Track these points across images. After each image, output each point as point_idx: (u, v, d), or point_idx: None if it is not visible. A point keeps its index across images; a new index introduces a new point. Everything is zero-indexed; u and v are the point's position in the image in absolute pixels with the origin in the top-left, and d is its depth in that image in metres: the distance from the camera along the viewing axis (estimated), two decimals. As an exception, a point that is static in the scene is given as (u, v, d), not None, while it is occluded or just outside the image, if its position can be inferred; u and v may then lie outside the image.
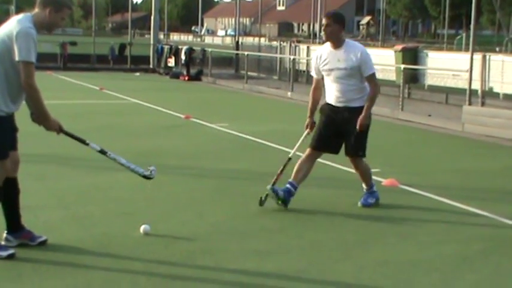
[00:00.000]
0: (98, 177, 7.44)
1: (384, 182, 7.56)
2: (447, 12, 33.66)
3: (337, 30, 6.28)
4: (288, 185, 6.42)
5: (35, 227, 5.56)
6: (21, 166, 8.29)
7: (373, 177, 7.80)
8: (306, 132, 6.85)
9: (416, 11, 72.47)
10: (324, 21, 6.36)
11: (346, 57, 6.31)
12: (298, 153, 6.70)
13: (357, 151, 6.53)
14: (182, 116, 13.15)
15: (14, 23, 4.64)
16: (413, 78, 16.84)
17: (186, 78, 23.95)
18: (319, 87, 6.71)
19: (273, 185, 6.43)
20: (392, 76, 17.91)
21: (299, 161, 6.61)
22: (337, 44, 6.33)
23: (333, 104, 6.56)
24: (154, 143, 9.97)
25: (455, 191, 7.25)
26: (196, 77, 24.09)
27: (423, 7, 68.76)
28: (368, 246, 5.32)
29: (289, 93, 18.60)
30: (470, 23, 13.87)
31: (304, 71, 23.18)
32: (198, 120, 12.56)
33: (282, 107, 16.43)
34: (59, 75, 22.86)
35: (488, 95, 14.74)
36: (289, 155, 6.80)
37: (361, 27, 72.17)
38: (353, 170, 8.07)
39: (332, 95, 6.55)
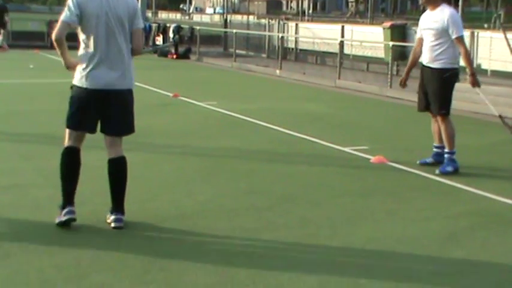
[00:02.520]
0: (87, 156, 7.36)
1: (372, 159, 7.59)
2: (436, -12, 33.53)
3: None
4: (434, 149, 7.32)
5: (23, 206, 5.57)
6: (8, 145, 8.28)
7: (361, 154, 7.85)
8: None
9: (405, -12, 72.16)
10: None
11: (437, 19, 6.91)
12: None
13: (438, 109, 7.07)
14: (170, 94, 13.10)
15: None
16: (401, 55, 16.81)
17: (174, 56, 23.84)
18: (419, 46, 7.27)
19: None
20: (380, 53, 17.90)
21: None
22: (433, 6, 6.97)
23: (423, 62, 7.18)
24: (143, 121, 9.88)
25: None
26: (185, 55, 23.98)
27: (412, -16, 68.45)
28: (356, 223, 5.34)
29: (277, 71, 18.56)
30: (458, 0, 13.83)
31: (292, 49, 23.12)
32: (186, 99, 12.52)
33: (270, 85, 16.40)
34: (46, 54, 22.70)
35: (476, 72, 14.74)
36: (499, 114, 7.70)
37: (349, 4, 71.87)
38: (342, 148, 8.11)
39: (423, 53, 7.16)
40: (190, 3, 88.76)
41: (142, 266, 4.30)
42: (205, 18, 70.32)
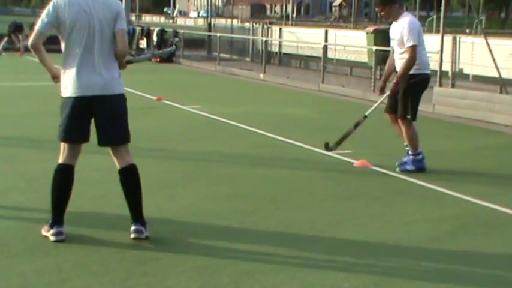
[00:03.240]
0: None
1: (356, 163, 7.61)
2: (418, -7, 33.77)
3: (389, 9, 7.10)
4: (406, 148, 7.34)
5: (4, 210, 5.53)
6: (-10, 149, 8.14)
7: (344, 158, 7.87)
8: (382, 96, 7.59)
9: (388, -7, 72.50)
10: (377, 9, 7.38)
11: (397, 30, 7.08)
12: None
13: (403, 113, 7.18)
14: (154, 98, 13.07)
15: None
16: (385, 59, 16.77)
17: (158, 60, 23.77)
18: (392, 56, 7.40)
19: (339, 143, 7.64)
20: (364, 58, 17.97)
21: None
22: (396, 19, 7.13)
23: (396, 70, 7.29)
24: (126, 125, 9.88)
25: (425, 172, 7.31)
26: (168, 59, 23.90)
27: (395, -11, 68.83)
28: (339, 227, 5.35)
29: (261, 75, 18.57)
30: (440, 5, 13.93)
31: (276, 53, 23.15)
32: (170, 102, 12.50)
33: (254, 89, 16.41)
34: (30, 57, 22.55)
35: (458, 77, 14.86)
36: (366, 113, 7.64)
37: (333, 9, 72.20)
38: (326, 152, 8.13)
39: (395, 61, 7.31)
40: (174, 6, 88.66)
41: (124, 271, 4.28)
42: (189, 22, 70.23)
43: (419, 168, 7.23)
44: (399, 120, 7.28)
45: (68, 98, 4.71)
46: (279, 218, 5.52)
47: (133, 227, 4.82)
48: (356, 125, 7.71)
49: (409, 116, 7.19)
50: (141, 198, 4.88)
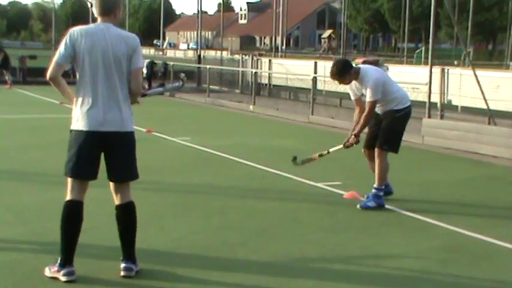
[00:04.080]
0: (58, 192, 7.29)
1: (345, 194, 7.61)
2: (407, 26, 34.19)
3: (347, 77, 7.17)
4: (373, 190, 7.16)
5: (-9, 244, 5.47)
6: (-22, 182, 8.09)
7: (334, 190, 7.87)
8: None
9: (377, 25, 73.39)
10: (335, 80, 7.32)
11: (361, 87, 7.22)
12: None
13: (382, 144, 7.17)
14: (144, 130, 13.05)
15: None
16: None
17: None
18: (359, 112, 7.37)
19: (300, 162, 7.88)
20: (353, 89, 18.07)
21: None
22: (356, 78, 7.20)
23: (378, 112, 7.33)
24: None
25: (415, 203, 7.33)
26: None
27: (383, 21, 69.72)
28: (328, 260, 5.33)
29: (251, 107, 18.64)
30: (429, 37, 14.09)
31: (266, 84, 23.26)
32: (160, 134, 12.50)
33: (244, 121, 16.45)
34: (18, 89, 22.56)
35: (447, 108, 14.96)
36: (330, 150, 7.67)
37: (322, 40, 72.84)
38: (315, 183, 8.12)
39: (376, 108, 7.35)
40: (164, 38, 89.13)
41: (113, 305, 4.24)
42: (179, 54, 70.59)
43: (379, 205, 7.08)
44: (376, 150, 7.20)
45: (80, 131, 4.56)
46: (269, 250, 5.50)
47: (123, 265, 4.74)
48: (320, 155, 7.73)
49: (386, 147, 7.18)
50: (134, 237, 4.80)
